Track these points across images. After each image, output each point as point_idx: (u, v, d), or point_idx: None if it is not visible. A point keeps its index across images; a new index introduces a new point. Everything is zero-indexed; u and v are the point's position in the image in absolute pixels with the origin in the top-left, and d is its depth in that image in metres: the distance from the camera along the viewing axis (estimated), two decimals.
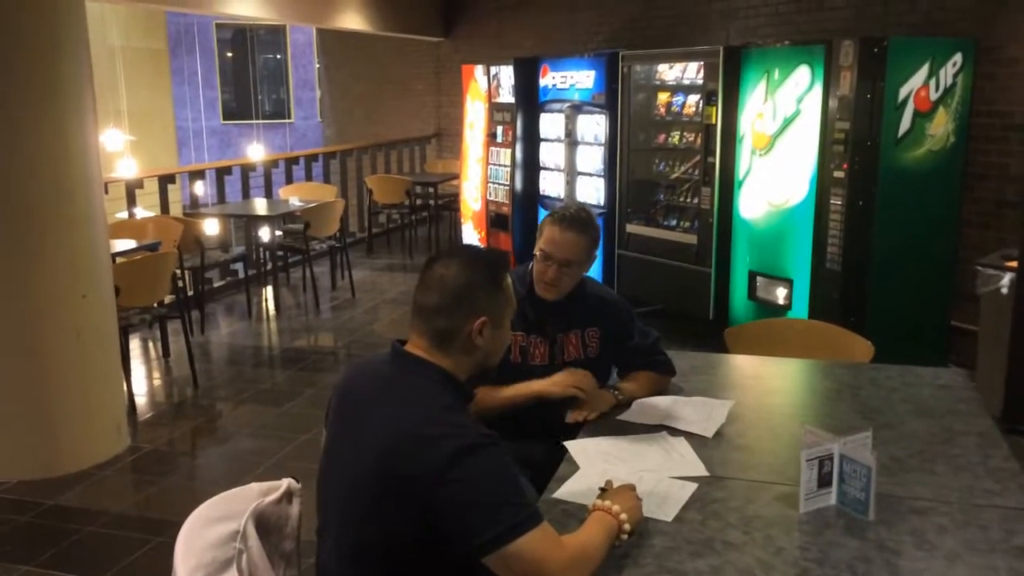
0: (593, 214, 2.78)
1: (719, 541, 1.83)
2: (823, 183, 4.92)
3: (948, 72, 4.91)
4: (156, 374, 5.59)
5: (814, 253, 5.02)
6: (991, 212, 5.12)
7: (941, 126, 4.95)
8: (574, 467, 2.18)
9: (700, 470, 2.16)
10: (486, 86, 7.75)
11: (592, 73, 6.59)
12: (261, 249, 7.52)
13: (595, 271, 6.70)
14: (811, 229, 5.02)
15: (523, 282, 2.68)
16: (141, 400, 5.03)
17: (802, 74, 4.98)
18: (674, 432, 2.38)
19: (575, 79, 6.78)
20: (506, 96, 7.51)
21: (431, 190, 9.49)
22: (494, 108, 7.70)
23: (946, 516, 1.92)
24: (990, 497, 2.01)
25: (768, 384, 2.79)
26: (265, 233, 7.34)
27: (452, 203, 9.83)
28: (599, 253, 6.93)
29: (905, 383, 2.79)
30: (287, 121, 21.81)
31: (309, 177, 9.31)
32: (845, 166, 4.80)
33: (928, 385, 2.78)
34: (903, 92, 4.79)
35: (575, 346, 2.69)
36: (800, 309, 5.14)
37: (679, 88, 6.22)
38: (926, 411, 2.55)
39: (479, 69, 7.89)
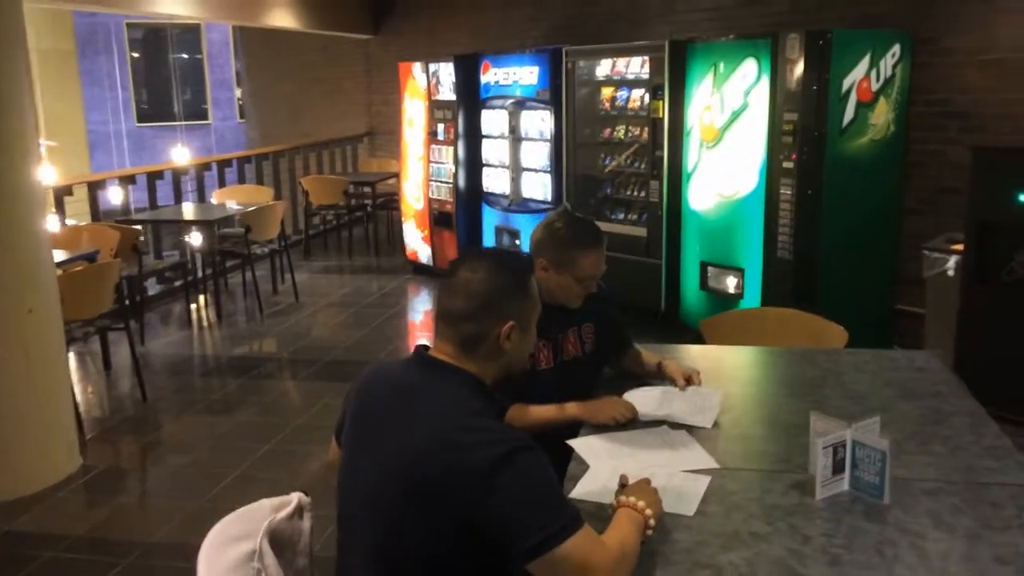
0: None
1: (746, 533, 1.84)
2: (773, 174, 5.01)
3: (888, 63, 5.06)
4: (100, 388, 5.37)
5: (765, 242, 5.11)
6: (930, 198, 5.30)
7: (882, 116, 5.10)
8: (583, 466, 2.17)
9: (709, 462, 2.17)
10: (425, 83, 7.67)
11: (535, 69, 6.59)
12: (199, 255, 7.30)
13: None
14: (762, 219, 5.11)
15: None
16: (88, 416, 4.82)
17: (749, 67, 5.06)
18: (674, 426, 2.39)
19: (518, 75, 6.77)
20: (446, 93, 7.44)
21: (368, 190, 9.35)
22: (434, 106, 7.62)
23: (956, 496, 1.97)
24: (992, 475, 2.07)
25: (753, 373, 2.83)
26: (200, 238, 7.12)
27: (390, 202, 9.72)
28: None
29: (883, 367, 2.86)
30: (205, 123, 21.25)
31: (242, 180, 9.09)
32: (794, 156, 4.90)
33: (905, 368, 2.86)
34: (846, 83, 4.92)
35: (573, 344, 2.68)
36: (752, 297, 5.23)
37: (623, 83, 6.27)
38: (911, 394, 2.62)
39: (417, 66, 7.80)
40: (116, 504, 3.85)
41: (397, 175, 9.82)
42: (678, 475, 2.09)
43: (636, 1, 7.11)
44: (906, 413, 2.45)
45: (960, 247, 4.53)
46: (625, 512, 1.75)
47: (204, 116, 21.28)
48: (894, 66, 5.09)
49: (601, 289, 2.81)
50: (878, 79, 5.03)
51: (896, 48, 5.07)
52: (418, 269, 8.24)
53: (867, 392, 2.64)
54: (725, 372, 2.88)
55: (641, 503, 1.77)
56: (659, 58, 5.72)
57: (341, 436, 1.90)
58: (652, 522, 1.76)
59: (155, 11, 7.42)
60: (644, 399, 2.54)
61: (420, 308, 7.47)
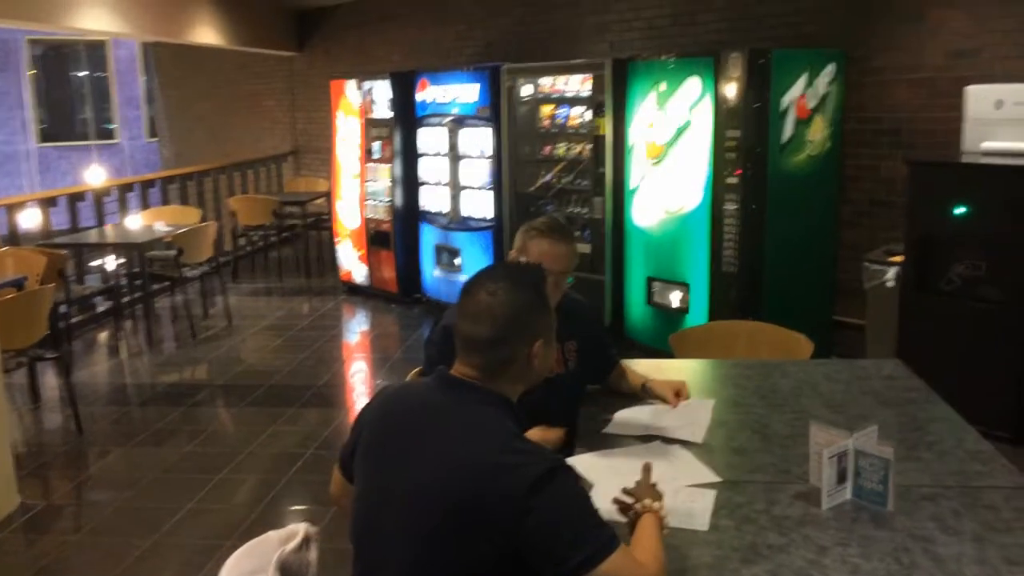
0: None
1: (763, 545, 1.85)
2: (717, 189, 5.11)
3: (823, 82, 5.23)
4: (31, 422, 5.10)
5: (711, 256, 5.20)
6: (864, 211, 5.49)
7: (819, 132, 5.26)
8: (586, 485, 2.15)
9: (711, 476, 2.18)
10: (359, 101, 7.58)
11: (475, 87, 6.58)
12: (127, 279, 7.03)
13: None
14: (707, 234, 5.20)
15: None
16: (21, 452, 4.57)
17: (693, 85, 5.16)
18: (667, 441, 2.39)
19: (457, 93, 6.75)
20: (382, 111, 7.37)
21: (298, 209, 9.18)
22: (369, 123, 7.54)
23: (954, 500, 2.02)
24: (983, 479, 2.13)
25: (731, 386, 2.85)
26: (120, 262, 6.86)
27: (321, 222, 9.57)
28: None
29: (855, 376, 2.92)
30: (112, 142, 20.58)
31: (166, 201, 8.80)
32: (738, 172, 5.01)
33: (875, 377, 2.93)
34: (785, 101, 5.07)
35: (556, 361, 2.66)
36: (698, 311, 5.31)
37: (563, 100, 6.32)
38: (887, 401, 2.68)
39: (351, 84, 7.71)
40: (64, 543, 3.65)
41: (328, 194, 9.70)
42: (683, 490, 2.09)
43: (571, 20, 7.19)
44: (887, 420, 2.50)
45: (899, 259, 4.69)
46: (649, 519, 1.74)
47: (110, 135, 20.60)
48: (829, 84, 5.26)
49: (579, 304, 2.82)
50: (814, 97, 5.20)
51: (831, 67, 5.25)
52: (353, 290, 8.11)
53: (845, 401, 2.69)
54: (703, 386, 2.90)
55: (657, 504, 1.78)
56: (601, 76, 5.78)
57: (350, 464, 1.84)
58: (667, 521, 1.78)
59: (78, 26, 7.16)
60: (635, 415, 2.55)
61: (358, 329, 7.36)
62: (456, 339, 1.76)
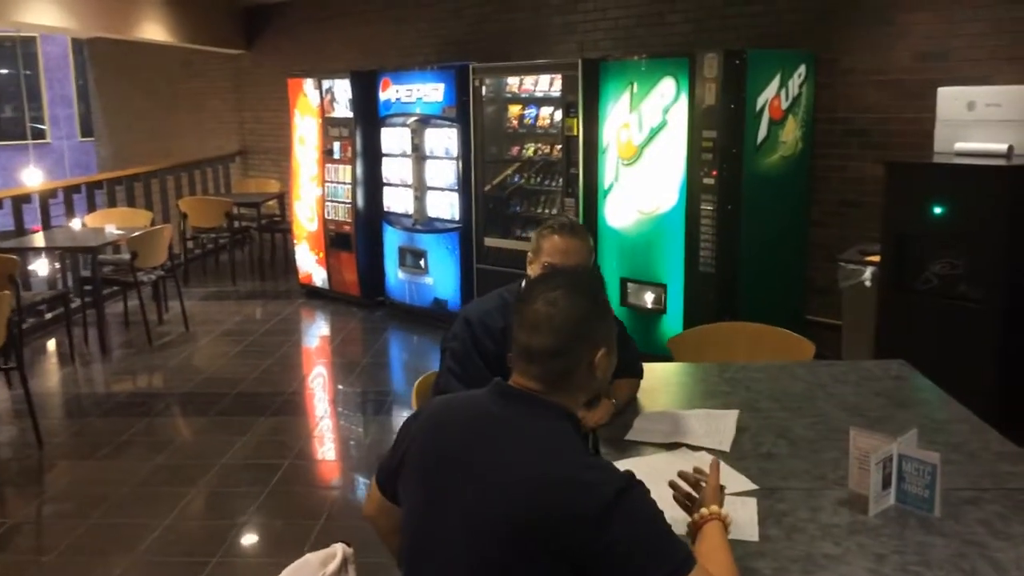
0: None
1: (819, 555, 1.81)
2: (693, 190, 5.10)
3: (795, 83, 5.27)
4: None
5: (687, 257, 5.20)
6: (834, 211, 5.54)
7: (791, 133, 5.30)
8: None
9: (747, 484, 2.14)
10: (318, 100, 7.41)
11: (440, 86, 6.48)
12: (79, 284, 6.75)
13: (453, 287, 6.63)
14: (682, 234, 5.19)
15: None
16: None
17: (667, 86, 5.15)
18: (693, 448, 2.35)
19: (421, 92, 6.64)
20: (342, 110, 7.22)
21: (251, 211, 8.94)
22: (329, 123, 7.38)
23: (995, 503, 2.01)
24: (1016, 480, 2.13)
25: (743, 390, 2.82)
26: (42, 266, 6.57)
27: (274, 224, 9.34)
28: (457, 267, 6.88)
29: (863, 378, 2.92)
30: (44, 142, 19.86)
31: (113, 203, 8.48)
32: (714, 173, 5.01)
33: (883, 378, 2.94)
34: (759, 102, 5.09)
35: None
36: (675, 312, 5.30)
37: (531, 100, 6.26)
38: (902, 403, 2.68)
39: (309, 83, 7.53)
40: (36, 564, 3.45)
41: (281, 195, 9.50)
42: (724, 500, 2.04)
43: (536, 19, 7.13)
44: (908, 422, 2.49)
45: (875, 258, 4.74)
46: (717, 528, 1.69)
47: (40, 135, 19.88)
48: (800, 86, 5.30)
49: None
50: (787, 98, 5.23)
51: (802, 68, 5.29)
52: (312, 293, 7.94)
53: (860, 403, 2.68)
54: (713, 389, 2.86)
55: (724, 511, 1.74)
56: (572, 76, 5.74)
57: (393, 482, 1.74)
58: (730, 524, 1.75)
59: (21, 21, 6.85)
60: (657, 421, 2.50)
61: (321, 334, 7.20)
62: (514, 349, 1.68)
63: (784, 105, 5.22)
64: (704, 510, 1.72)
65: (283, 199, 9.56)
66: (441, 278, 6.73)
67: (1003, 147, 4.50)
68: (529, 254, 2.65)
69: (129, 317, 7.02)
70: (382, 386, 5.76)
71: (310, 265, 7.87)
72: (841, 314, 5.10)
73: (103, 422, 4.99)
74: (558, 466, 1.51)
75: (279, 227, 9.36)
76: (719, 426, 2.47)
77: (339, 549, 1.80)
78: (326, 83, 7.34)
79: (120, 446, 4.59)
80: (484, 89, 6.35)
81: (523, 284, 2.69)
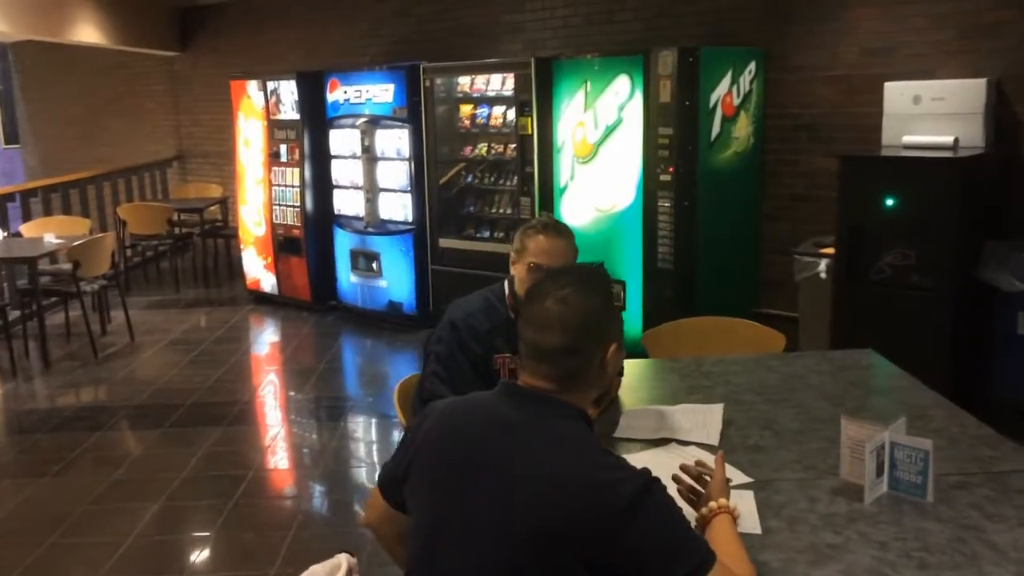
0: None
1: (823, 545, 1.82)
2: (650, 187, 5.14)
3: (746, 79, 5.34)
4: None
5: (645, 254, 5.23)
6: (785, 206, 5.63)
7: (743, 129, 5.37)
8: None
9: (742, 477, 2.14)
10: (263, 102, 7.27)
11: (390, 86, 6.41)
12: (17, 296, 6.50)
13: (407, 289, 6.56)
14: (640, 231, 5.23)
15: (502, 303, 2.58)
16: None
17: (622, 83, 5.17)
18: (682, 443, 2.35)
19: (371, 93, 6.56)
20: (289, 112, 7.09)
21: (194, 217, 8.73)
22: (275, 125, 7.24)
23: (983, 487, 2.05)
24: (1000, 463, 2.18)
25: (723, 383, 2.83)
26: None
27: (217, 229, 9.14)
28: (412, 269, 6.80)
29: (836, 367, 2.97)
30: None
31: (48, 211, 8.19)
32: (671, 170, 5.05)
33: (855, 367, 2.99)
34: (713, 99, 5.14)
35: None
36: (634, 309, 5.33)
37: (483, 100, 6.23)
38: (877, 391, 2.74)
39: (253, 84, 7.38)
40: None
41: (224, 200, 9.29)
42: None
43: (483, 19, 7.10)
44: (886, 410, 2.54)
45: (830, 251, 4.83)
46: (727, 521, 1.69)
47: None
48: (751, 82, 5.38)
49: None
50: (738, 95, 5.30)
51: (752, 65, 5.37)
52: (260, 299, 7.78)
53: (838, 393, 2.72)
54: (692, 385, 2.87)
55: (733, 504, 1.74)
56: (525, 75, 5.73)
57: (398, 489, 1.70)
58: (739, 517, 1.76)
59: None
60: (643, 417, 2.50)
61: (273, 341, 7.05)
62: (522, 349, 1.66)
63: (736, 101, 5.28)
64: (712, 504, 1.72)
65: (226, 204, 9.35)
66: (395, 280, 6.66)
67: (949, 139, 4.63)
68: (512, 254, 2.63)
69: (71, 328, 6.78)
70: (339, 392, 5.67)
71: (258, 270, 7.72)
72: (794, 306, 5.19)
73: (51, 438, 4.80)
74: (578, 466, 1.49)
75: (222, 232, 9.15)
76: (705, 420, 2.48)
77: (343, 559, 1.76)
78: (271, 84, 7.21)
79: (71, 463, 4.43)
80: (435, 89, 6.30)
81: (505, 284, 2.67)
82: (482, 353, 2.53)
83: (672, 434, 2.39)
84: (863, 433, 2.05)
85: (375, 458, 4.59)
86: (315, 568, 1.69)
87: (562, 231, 2.59)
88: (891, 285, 4.56)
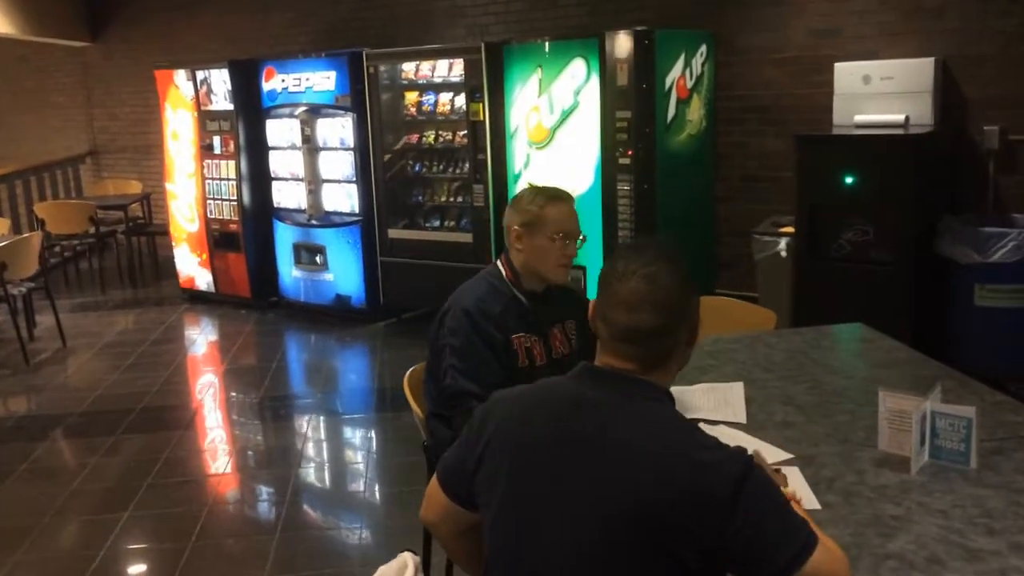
0: None
1: (887, 517, 1.82)
2: (609, 170, 5.13)
3: (698, 62, 5.38)
4: None
5: (605, 238, 5.22)
6: (737, 187, 5.70)
7: (696, 112, 5.41)
8: None
9: (783, 454, 2.14)
10: (192, 92, 6.97)
11: (332, 74, 6.22)
12: None
13: (356, 282, 6.40)
14: (599, 215, 5.21)
15: (504, 283, 2.54)
16: None
17: (578, 67, 5.14)
18: (710, 423, 2.33)
19: (311, 81, 6.36)
20: (221, 103, 6.83)
21: (121, 214, 8.33)
22: (206, 116, 6.96)
23: (1020, 451, 2.09)
24: None
25: (729, 362, 2.83)
26: None
27: (143, 226, 8.75)
28: (360, 261, 6.66)
29: (835, 342, 3.02)
30: None
31: None
32: (630, 153, 5.05)
33: (852, 340, 3.04)
34: (668, 82, 5.16)
35: (561, 341, 2.64)
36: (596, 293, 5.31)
37: (429, 87, 6.11)
38: (883, 363, 2.77)
39: (181, 74, 7.07)
40: None
41: (147, 196, 8.91)
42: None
43: (420, 4, 6.97)
44: (899, 381, 2.57)
45: (789, 229, 4.91)
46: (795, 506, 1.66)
47: None
48: (702, 65, 5.42)
49: (569, 283, 2.78)
50: (691, 77, 5.33)
51: (703, 48, 5.40)
52: (195, 297, 7.48)
53: (844, 367, 2.76)
54: (699, 365, 2.85)
55: (798, 494, 1.72)
56: (474, 60, 5.64)
57: (464, 483, 1.62)
58: (800, 501, 1.72)
59: None
60: None
61: (215, 340, 6.79)
62: (604, 331, 1.59)
63: (689, 84, 5.31)
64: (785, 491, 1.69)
65: (148, 200, 8.96)
66: (343, 274, 6.49)
67: (900, 118, 4.76)
68: (516, 227, 2.53)
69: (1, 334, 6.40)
70: (292, 389, 5.52)
71: (192, 268, 7.42)
72: (751, 286, 5.27)
73: None
74: (678, 445, 1.45)
75: (146, 230, 8.77)
76: (727, 398, 2.47)
77: (408, 558, 1.68)
78: (201, 74, 6.92)
79: (24, 475, 4.16)
80: (379, 76, 6.15)
81: (499, 265, 2.59)
82: (500, 336, 2.47)
83: (697, 413, 2.38)
84: (905, 404, 2.07)
85: (346, 457, 4.47)
86: (383, 569, 1.61)
87: (570, 197, 2.62)
88: (851, 261, 4.67)
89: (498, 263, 2.63)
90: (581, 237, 2.59)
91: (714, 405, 2.43)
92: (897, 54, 4.95)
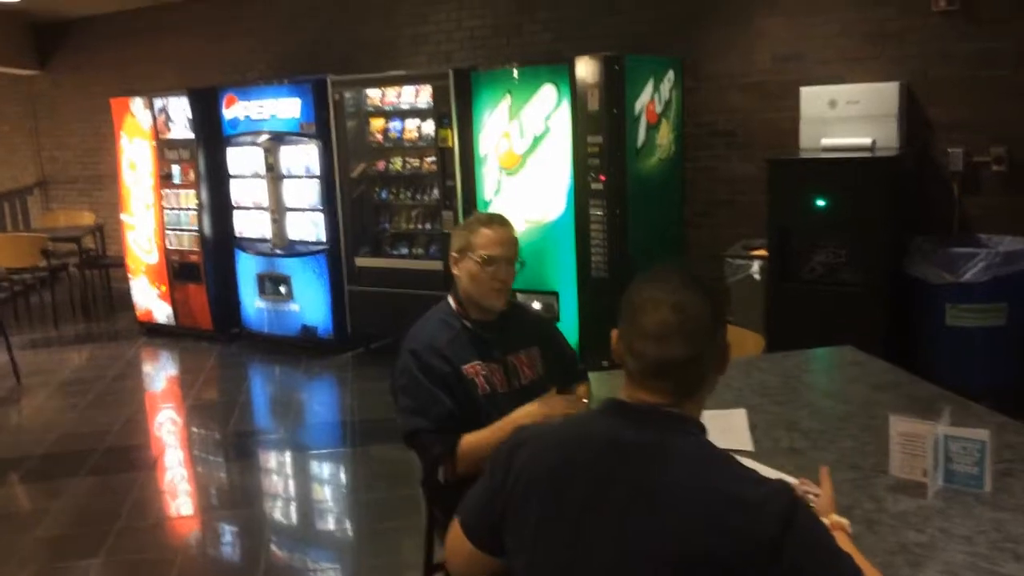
0: None
1: (912, 545, 1.80)
2: (581, 195, 5.12)
3: (666, 87, 5.41)
4: None
5: (578, 263, 5.20)
6: (705, 211, 5.74)
7: (666, 137, 5.44)
8: None
9: (793, 481, 2.11)
10: (150, 121, 6.83)
11: (296, 101, 6.14)
12: None
13: (323, 311, 6.28)
14: (572, 241, 5.20)
15: (453, 317, 2.49)
16: None
17: (548, 93, 5.14)
18: None
19: (274, 108, 6.26)
20: (180, 131, 6.69)
21: (74, 247, 8.09)
22: (164, 145, 6.81)
23: None
24: None
25: (724, 388, 2.79)
26: None
27: (96, 259, 8.51)
28: (327, 290, 6.56)
29: (825, 366, 3.01)
30: None
31: None
32: (603, 178, 5.05)
33: (843, 364, 3.03)
34: (637, 107, 5.18)
35: (528, 367, 2.58)
36: (569, 320, 5.29)
37: (396, 113, 6.06)
38: (878, 386, 2.76)
39: (138, 102, 6.92)
40: None
41: (100, 228, 8.69)
42: None
43: (383, 32, 6.93)
44: (896, 405, 2.57)
45: (761, 252, 4.94)
46: (844, 539, 1.62)
47: None
48: (670, 90, 5.45)
49: (526, 310, 2.82)
50: (660, 102, 5.36)
51: (671, 73, 5.44)
52: (154, 331, 7.29)
53: (839, 391, 2.76)
54: None
55: (845, 522, 1.68)
56: (442, 87, 5.61)
57: (493, 530, 1.55)
58: (851, 533, 1.70)
59: None
60: None
61: (177, 374, 6.60)
62: (634, 364, 1.53)
63: (659, 109, 5.34)
64: (825, 520, 1.65)
65: (101, 231, 8.74)
66: (309, 303, 6.37)
67: (867, 141, 4.83)
68: (453, 253, 2.53)
69: None
70: (260, 424, 5.38)
71: (150, 300, 7.23)
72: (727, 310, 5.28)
73: None
74: (725, 483, 1.40)
75: (100, 262, 8.54)
76: (731, 425, 2.44)
77: None
78: (158, 102, 6.78)
79: None
80: (344, 103, 6.08)
81: (448, 299, 2.55)
82: (449, 368, 2.41)
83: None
84: (916, 428, 2.06)
85: (316, 495, 4.35)
86: None
87: (505, 221, 2.57)
88: (823, 283, 4.71)
89: (448, 297, 2.59)
90: (519, 262, 2.55)
91: (718, 432, 2.39)
92: (862, 78, 5.03)
